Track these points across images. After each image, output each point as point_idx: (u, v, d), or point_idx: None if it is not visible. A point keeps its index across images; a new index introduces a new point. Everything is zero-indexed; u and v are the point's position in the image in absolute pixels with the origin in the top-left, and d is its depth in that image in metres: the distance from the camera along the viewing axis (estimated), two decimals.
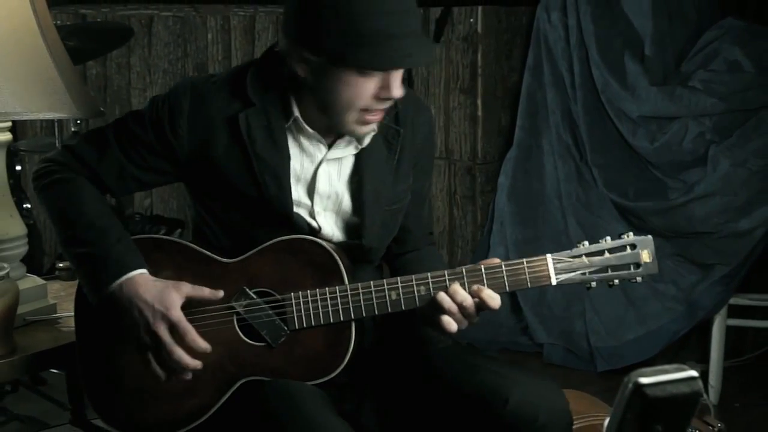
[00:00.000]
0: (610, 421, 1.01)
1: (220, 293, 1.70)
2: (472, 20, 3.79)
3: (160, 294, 1.67)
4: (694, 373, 0.97)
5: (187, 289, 1.69)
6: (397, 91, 1.68)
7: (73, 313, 1.81)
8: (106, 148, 1.77)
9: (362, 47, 1.61)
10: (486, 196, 3.95)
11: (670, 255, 3.52)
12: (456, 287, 1.66)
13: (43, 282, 2.11)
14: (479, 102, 3.84)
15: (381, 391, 1.80)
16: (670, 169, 3.56)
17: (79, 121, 3.57)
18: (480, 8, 3.78)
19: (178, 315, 1.67)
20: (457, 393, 1.71)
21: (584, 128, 3.74)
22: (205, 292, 1.69)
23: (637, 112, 3.60)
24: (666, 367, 0.97)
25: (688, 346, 3.66)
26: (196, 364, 1.68)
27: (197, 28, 4.24)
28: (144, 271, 1.70)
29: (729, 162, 3.39)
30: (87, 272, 1.72)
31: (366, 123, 1.71)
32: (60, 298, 2.15)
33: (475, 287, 1.66)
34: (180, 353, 1.67)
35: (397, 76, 1.67)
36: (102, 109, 2.12)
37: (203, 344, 1.68)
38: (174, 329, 1.67)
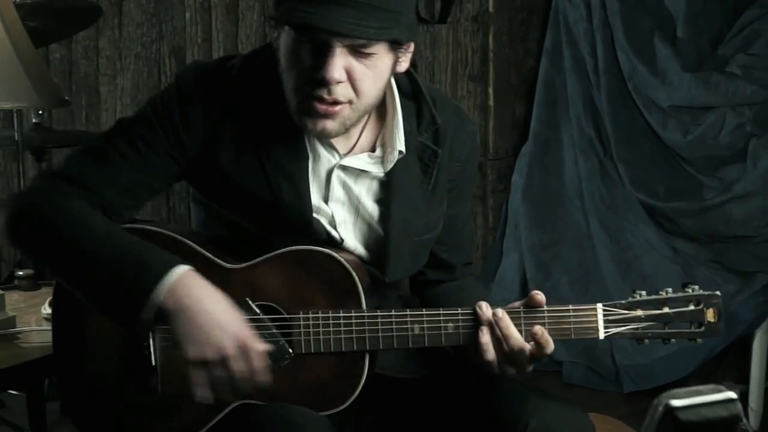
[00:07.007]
0: None
1: None
2: None
3: (232, 310, 1.59)
4: (732, 394, 0.97)
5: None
6: (331, 71, 1.59)
7: (35, 327, 1.81)
8: (105, 161, 1.70)
9: (288, 3, 1.59)
10: (498, 196, 3.96)
11: (705, 262, 3.52)
12: (512, 330, 1.61)
13: (1, 292, 2.11)
14: (490, 90, 3.85)
15: (382, 410, 1.80)
16: (705, 166, 3.56)
17: (41, 112, 3.56)
18: None
19: (257, 344, 1.58)
20: (470, 413, 1.70)
21: (608, 119, 3.74)
22: None
23: (668, 101, 3.60)
24: (701, 387, 0.97)
25: (726, 365, 3.66)
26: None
27: (173, 6, 4.24)
28: (191, 267, 1.59)
29: None
30: (121, 289, 1.58)
31: (309, 113, 1.64)
32: (20, 309, 2.15)
33: (536, 329, 1.61)
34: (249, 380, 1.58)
35: (333, 53, 1.59)
36: (67, 98, 2.13)
37: (268, 380, 1.61)
38: (247, 355, 1.58)
